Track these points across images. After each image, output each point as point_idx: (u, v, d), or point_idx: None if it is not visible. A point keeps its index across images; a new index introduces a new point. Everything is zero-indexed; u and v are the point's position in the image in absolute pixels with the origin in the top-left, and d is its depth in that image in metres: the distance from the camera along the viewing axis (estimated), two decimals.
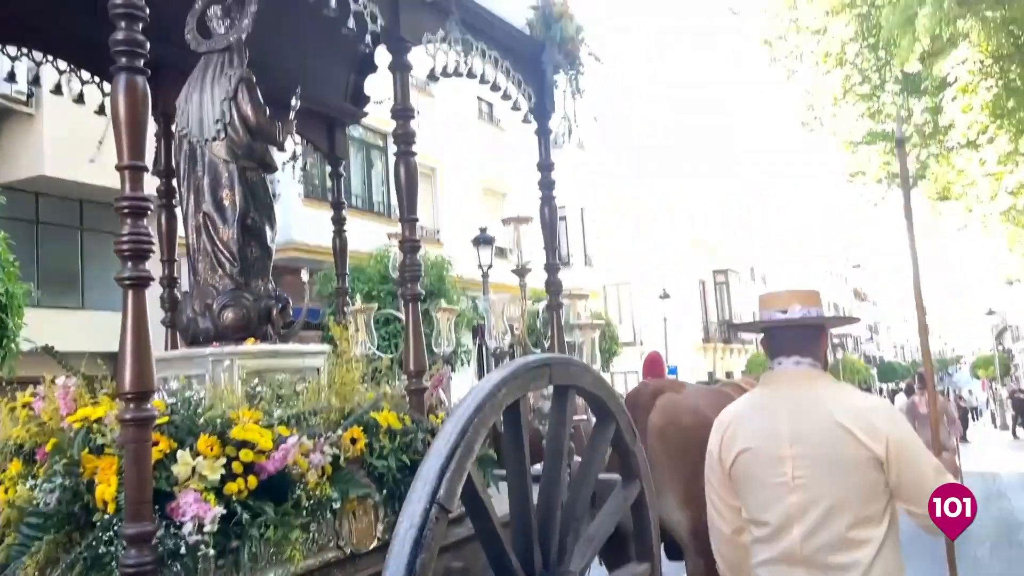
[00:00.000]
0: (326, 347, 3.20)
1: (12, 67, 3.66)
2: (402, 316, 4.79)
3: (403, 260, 3.08)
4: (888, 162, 13.74)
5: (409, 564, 1.87)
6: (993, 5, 8.88)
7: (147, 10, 2.02)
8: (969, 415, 30.76)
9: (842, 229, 63.85)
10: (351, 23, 2.78)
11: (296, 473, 2.34)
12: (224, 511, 2.08)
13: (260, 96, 3.28)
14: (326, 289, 10.33)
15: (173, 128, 3.42)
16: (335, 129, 5.25)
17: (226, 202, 3.16)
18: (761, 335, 2.50)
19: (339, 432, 2.46)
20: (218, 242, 3.12)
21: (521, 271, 5.04)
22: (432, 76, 3.46)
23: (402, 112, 3.16)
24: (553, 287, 4.34)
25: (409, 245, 3.08)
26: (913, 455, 2.14)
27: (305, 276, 4.06)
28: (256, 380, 2.80)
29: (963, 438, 19.91)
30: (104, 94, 4.03)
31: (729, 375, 30.49)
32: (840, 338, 46.19)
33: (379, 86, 6.97)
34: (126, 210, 1.89)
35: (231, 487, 2.14)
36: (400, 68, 3.19)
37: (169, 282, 4.13)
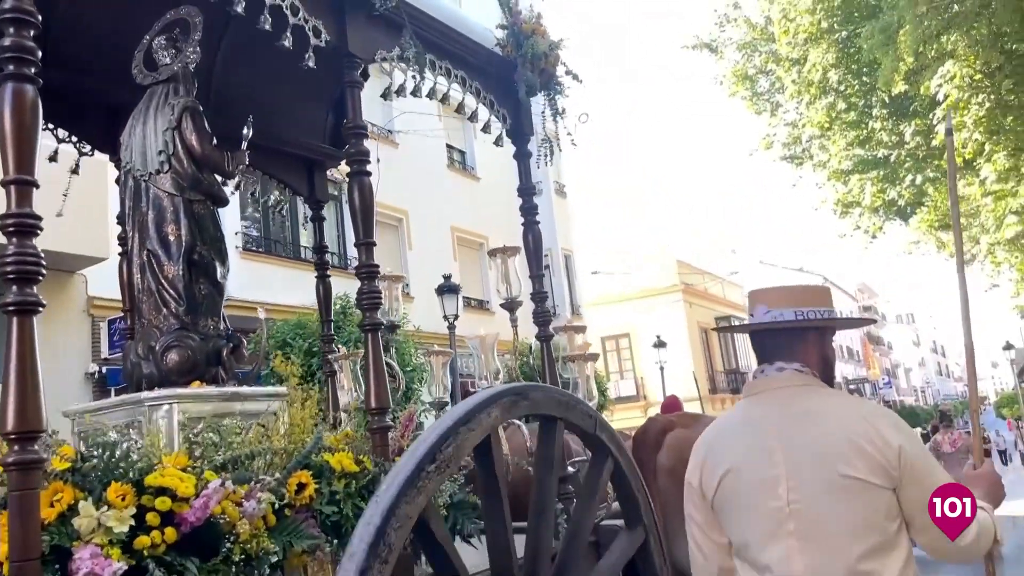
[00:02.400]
0: (281, 389, 3.00)
1: None
2: (394, 363, 4.64)
3: (360, 287, 2.90)
4: (883, 190, 13.45)
5: None
6: (978, 19, 8.72)
7: (39, 16, 1.90)
8: (999, 457, 29.04)
9: (846, 268, 63.19)
10: (288, 40, 2.67)
11: (226, 523, 2.10)
12: (128, 567, 1.84)
13: (206, 125, 3.18)
14: (269, 345, 10.12)
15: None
16: (314, 171, 5.20)
17: (171, 237, 3.04)
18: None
19: (275, 477, 2.21)
20: (163, 280, 2.99)
21: (512, 304, 4.84)
22: (388, 93, 3.36)
23: (354, 131, 3.04)
24: (542, 317, 4.14)
25: (366, 271, 2.92)
26: (925, 467, 1.85)
27: (262, 314, 3.84)
28: (200, 427, 2.60)
29: None
30: (59, 140, 4.00)
31: None
32: (856, 384, 44.68)
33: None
34: (11, 228, 1.74)
35: (142, 541, 1.93)
36: (351, 85, 3.08)
37: (131, 334, 3.99)
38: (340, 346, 5.13)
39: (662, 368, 22.06)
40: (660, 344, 22.23)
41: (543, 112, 4.40)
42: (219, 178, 3.30)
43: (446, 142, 18.57)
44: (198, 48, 3.28)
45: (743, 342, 32.43)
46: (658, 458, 4.21)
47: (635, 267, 29.10)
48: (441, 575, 2.01)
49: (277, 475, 2.25)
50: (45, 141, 3.91)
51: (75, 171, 4.00)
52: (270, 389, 2.94)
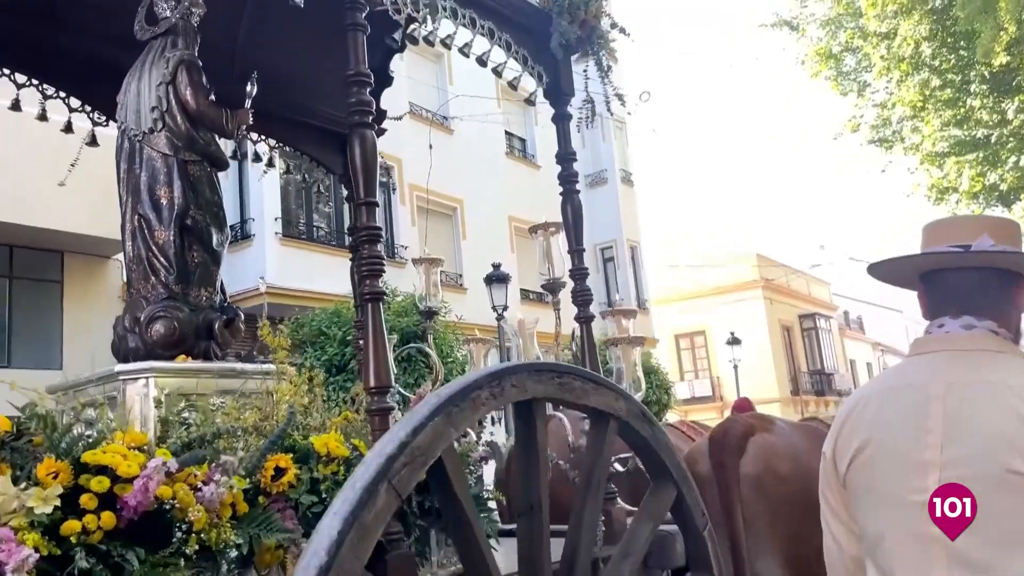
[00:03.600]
0: (270, 366, 2.75)
1: None
2: (432, 351, 4.36)
3: (360, 252, 2.62)
4: (982, 173, 12.33)
5: None
6: None
7: None
8: None
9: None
10: None
11: (179, 510, 1.84)
12: (53, 556, 1.59)
13: (204, 79, 2.96)
14: (297, 335, 9.86)
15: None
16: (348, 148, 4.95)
17: (163, 200, 2.85)
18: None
19: (240, 458, 1.94)
20: (152, 246, 2.80)
21: (553, 285, 4.49)
22: (405, 41, 3.07)
23: (356, 79, 2.76)
24: (580, 296, 3.77)
25: (366, 233, 2.63)
26: None
27: (262, 286, 3.61)
28: (182, 404, 2.37)
29: None
30: (71, 110, 3.89)
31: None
32: None
33: (394, 101, 6.72)
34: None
35: (70, 526, 1.68)
36: (352, 28, 2.80)
37: None
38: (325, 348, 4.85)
39: (736, 366, 21.19)
40: (734, 341, 21.35)
41: (585, 70, 4.03)
42: (219, 139, 3.08)
43: (505, 129, 18.16)
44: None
45: (829, 340, 30.94)
46: (742, 465, 3.78)
47: (711, 261, 28.12)
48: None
49: (241, 455, 1.97)
50: (56, 116, 3.89)
51: (91, 143, 3.88)
52: (259, 366, 2.69)
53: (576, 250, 3.87)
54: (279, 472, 2.16)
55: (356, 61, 2.81)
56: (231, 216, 12.70)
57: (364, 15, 2.89)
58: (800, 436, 4.09)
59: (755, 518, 3.48)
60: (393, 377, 2.55)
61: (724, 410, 24.33)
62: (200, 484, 1.94)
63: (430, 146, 11.46)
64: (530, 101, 3.90)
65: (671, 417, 15.55)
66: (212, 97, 3.00)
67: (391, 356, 2.62)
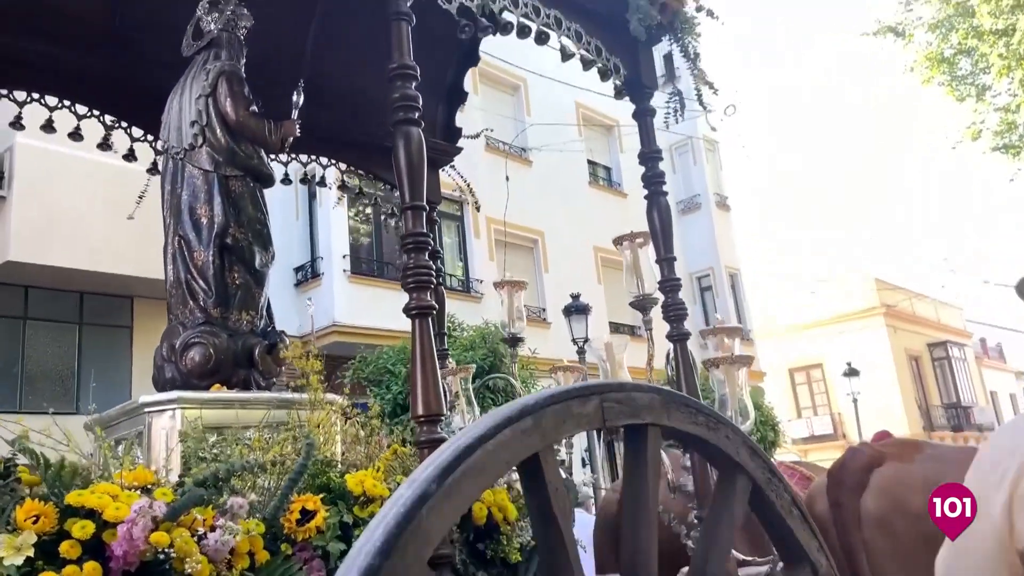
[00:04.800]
0: (329, 396, 2.46)
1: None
2: (516, 382, 4.02)
3: (405, 262, 2.31)
4: None
5: None
6: None
7: None
8: None
9: None
10: None
11: (176, 561, 1.55)
12: None
13: (246, 90, 2.79)
14: (362, 371, 9.65)
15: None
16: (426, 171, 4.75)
17: (203, 219, 2.67)
18: None
19: (256, 499, 1.64)
20: (192, 268, 2.61)
21: (644, 303, 4.05)
22: (462, 30, 2.80)
23: (400, 72, 2.51)
24: (673, 310, 3.34)
25: (412, 241, 2.33)
26: None
27: (310, 309, 3.36)
28: (214, 438, 2.11)
29: None
30: (132, 139, 3.84)
31: None
32: None
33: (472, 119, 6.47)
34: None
35: None
36: (397, 18, 2.56)
37: None
38: (451, 361, 4.58)
39: (855, 400, 19.61)
40: (851, 372, 19.78)
41: (669, 58, 3.65)
42: (264, 154, 2.88)
43: (587, 158, 17.78)
44: (242, 8, 2.93)
45: (964, 370, 28.42)
46: (862, 502, 3.23)
47: (823, 287, 26.50)
48: None
49: (253, 497, 1.66)
50: (121, 140, 3.85)
51: (152, 169, 3.82)
52: (295, 395, 2.40)
53: (666, 259, 3.46)
54: (306, 515, 1.84)
55: (400, 53, 2.56)
56: (301, 256, 12.86)
57: (409, 4, 2.66)
58: (951, 460, 3.46)
59: (883, 563, 3.05)
60: (448, 405, 2.23)
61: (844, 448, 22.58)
62: (206, 530, 1.64)
63: (507, 177, 11.27)
64: (619, 94, 3.54)
65: (786, 456, 14.41)
66: (254, 108, 2.81)
67: (438, 381, 2.28)
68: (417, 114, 2.54)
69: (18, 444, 1.68)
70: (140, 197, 3.85)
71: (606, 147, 18.63)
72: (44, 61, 3.65)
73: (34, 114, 3.62)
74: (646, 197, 3.59)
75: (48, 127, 3.58)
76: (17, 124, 3.55)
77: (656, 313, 3.78)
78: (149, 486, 1.72)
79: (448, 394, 3.99)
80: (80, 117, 3.68)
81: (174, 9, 3.59)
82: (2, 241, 9.86)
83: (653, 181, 3.57)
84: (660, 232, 3.49)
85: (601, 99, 17.02)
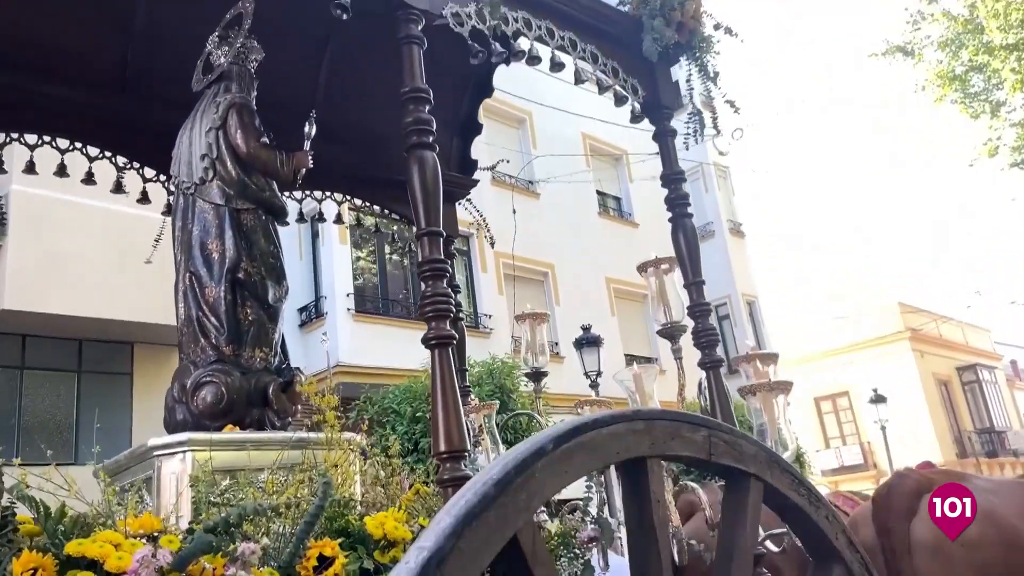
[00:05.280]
0: (347, 435, 2.33)
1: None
2: (541, 418, 3.88)
3: (423, 290, 2.21)
4: None
5: None
6: None
7: None
8: None
9: None
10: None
11: None
12: None
13: (256, 122, 2.73)
14: (367, 412, 9.47)
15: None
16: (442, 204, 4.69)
17: (214, 254, 2.58)
18: None
19: (267, 544, 1.51)
20: (203, 304, 2.53)
21: (672, 331, 3.91)
22: (475, 55, 2.73)
23: (413, 95, 2.43)
24: (704, 337, 3.21)
25: (429, 268, 2.23)
26: None
27: (325, 345, 3.25)
28: (226, 482, 2.00)
29: None
30: (145, 180, 3.79)
31: None
32: None
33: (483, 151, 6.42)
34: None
35: None
36: (407, 42, 2.49)
37: None
38: (473, 397, 4.44)
39: (883, 428, 19.12)
40: (878, 399, 19.32)
41: (688, 79, 3.57)
42: (276, 186, 2.81)
43: (596, 188, 17.71)
44: (252, 41, 2.88)
45: (996, 394, 27.75)
46: (913, 529, 3.06)
47: (848, 313, 26.08)
48: None
49: (266, 541, 1.53)
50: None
51: (167, 212, 3.76)
52: (309, 435, 2.28)
53: (694, 283, 3.35)
54: (324, 562, 1.71)
55: (412, 77, 2.50)
56: (305, 296, 12.69)
57: (420, 28, 2.60)
58: (1007, 491, 3.28)
59: None
60: (471, 441, 2.10)
61: (879, 479, 22.01)
62: None
63: (513, 210, 11.19)
64: (636, 118, 3.46)
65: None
66: (265, 140, 2.74)
67: (460, 416, 2.15)
68: (431, 138, 2.46)
69: (16, 491, 1.57)
70: (156, 240, 3.78)
71: (615, 177, 18.58)
72: (57, 104, 3.62)
73: (36, 159, 3.57)
74: (670, 220, 3.49)
75: (61, 172, 3.53)
76: (31, 170, 3.52)
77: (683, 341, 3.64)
78: (155, 533, 1.60)
79: (471, 432, 3.86)
80: (92, 159, 3.65)
81: (188, 49, 3.58)
82: None
83: (677, 203, 3.47)
84: (687, 256, 3.38)
85: (608, 129, 17.02)
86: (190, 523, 1.83)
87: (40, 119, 3.59)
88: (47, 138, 3.54)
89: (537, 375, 4.10)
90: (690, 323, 3.51)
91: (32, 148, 3.47)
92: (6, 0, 3.32)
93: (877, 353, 24.86)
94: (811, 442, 22.59)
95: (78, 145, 3.61)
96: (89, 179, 3.74)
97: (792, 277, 25.14)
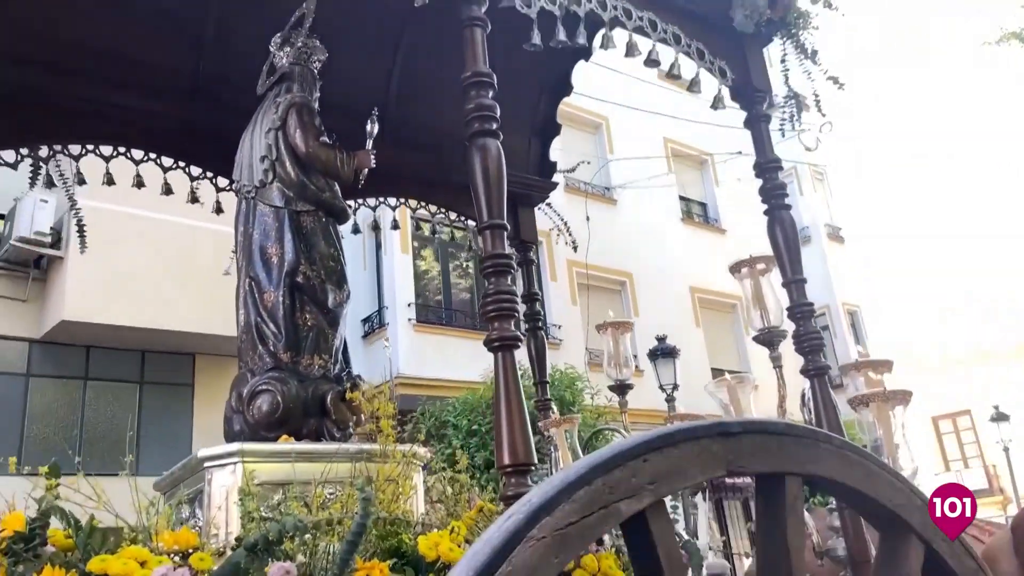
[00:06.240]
0: (406, 447, 2.17)
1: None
2: (627, 434, 3.64)
3: (485, 289, 2.03)
4: None
5: None
6: None
7: None
8: None
9: None
10: None
11: None
12: None
13: (317, 121, 2.64)
14: (425, 422, 9.25)
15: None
16: (519, 208, 4.59)
17: (274, 258, 2.50)
18: None
19: (304, 562, 1.36)
20: (262, 310, 2.44)
21: (770, 336, 3.57)
22: (532, 44, 2.54)
23: (474, 79, 2.26)
24: (807, 341, 2.90)
25: (491, 265, 2.05)
26: None
27: (388, 352, 3.10)
28: (279, 495, 1.88)
29: None
30: (218, 189, 3.79)
31: None
32: None
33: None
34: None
35: None
36: (471, 24, 2.33)
37: None
38: (554, 411, 4.25)
39: (1006, 449, 17.63)
40: (1000, 417, 17.84)
41: (783, 59, 3.29)
42: (337, 187, 2.70)
43: (680, 194, 17.08)
44: (315, 40, 2.81)
45: None
46: None
47: (965, 323, 24.27)
48: None
49: (301, 559, 1.38)
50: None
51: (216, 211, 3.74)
52: (362, 446, 2.12)
53: (794, 281, 3.03)
54: None
55: (475, 61, 2.34)
56: (368, 306, 12.63)
57: (484, 9, 2.44)
58: None
59: None
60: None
61: (1007, 505, 20.31)
62: None
63: (587, 217, 10.84)
64: (717, 105, 3.19)
65: None
66: (325, 139, 2.64)
67: (526, 425, 1.94)
68: (495, 125, 2.29)
69: (44, 503, 1.47)
70: (234, 251, 3.77)
71: (699, 181, 17.93)
72: (131, 115, 3.68)
73: (96, 172, 3.61)
74: (765, 212, 3.18)
75: (139, 184, 3.57)
76: (109, 181, 3.57)
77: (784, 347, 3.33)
78: (191, 550, 1.47)
79: (552, 449, 3.64)
80: (166, 170, 3.67)
81: (258, 57, 3.56)
82: (57, 301, 9.94)
83: (773, 194, 3.17)
84: (785, 251, 3.06)
85: (692, 133, 16.46)
86: (236, 539, 1.70)
87: (115, 131, 3.65)
88: (122, 149, 3.59)
89: (622, 387, 3.85)
90: (789, 328, 3.20)
91: (107, 159, 3.52)
92: (80, 13, 3.39)
93: (1001, 365, 23.04)
94: (929, 465, 21.11)
95: (152, 156, 3.66)
96: (168, 191, 3.77)
97: (901, 284, 23.56)
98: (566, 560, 0.87)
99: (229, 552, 1.55)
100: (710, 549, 3.21)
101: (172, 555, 1.45)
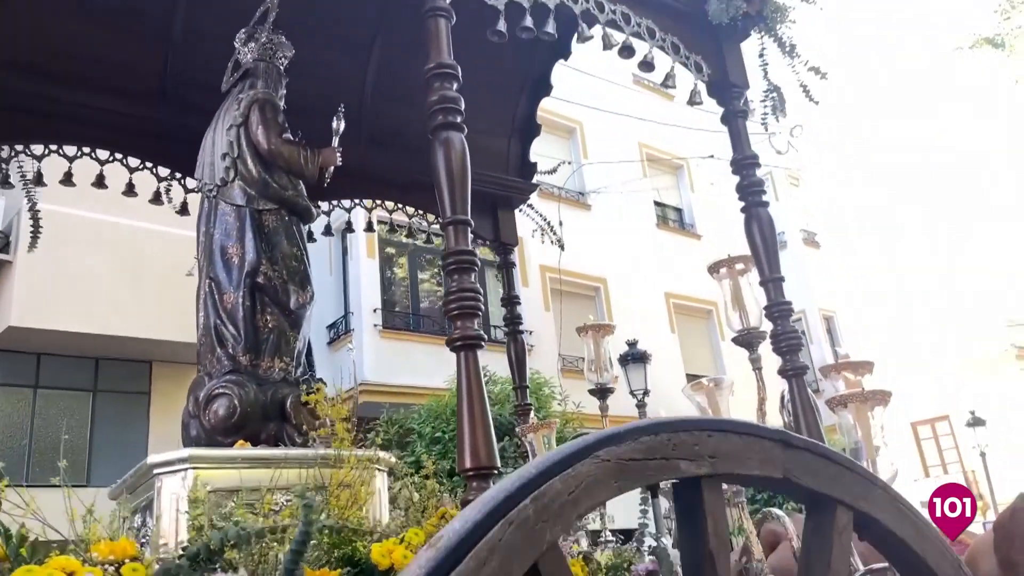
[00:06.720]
0: (365, 452, 2.08)
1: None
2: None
3: (447, 284, 1.95)
4: None
5: None
6: None
7: None
8: None
9: None
10: None
11: None
12: None
13: (280, 117, 2.56)
14: (389, 430, 9.13)
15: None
16: (498, 210, 4.53)
17: (234, 259, 2.40)
18: None
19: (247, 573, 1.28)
20: (221, 311, 2.36)
21: (749, 338, 3.52)
22: (497, 32, 2.48)
23: (437, 71, 2.19)
24: (784, 340, 2.85)
25: (454, 261, 1.98)
26: None
27: (352, 356, 3.01)
28: (231, 503, 1.79)
29: None
30: (187, 191, 3.70)
31: None
32: None
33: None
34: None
35: None
36: (433, 14, 2.26)
37: None
38: (533, 416, 4.21)
39: (983, 454, 17.66)
40: (976, 422, 17.88)
41: (761, 53, 3.25)
42: (302, 186, 2.62)
43: (655, 199, 17.05)
44: (280, 36, 2.73)
45: None
46: None
47: (945, 330, 24.43)
48: None
49: (243, 572, 1.30)
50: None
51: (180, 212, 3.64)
52: (318, 451, 2.04)
53: (772, 280, 2.99)
54: None
55: (438, 51, 2.27)
56: (334, 312, 12.37)
57: (448, 1, 2.37)
58: None
59: None
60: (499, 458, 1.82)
61: (987, 511, 20.37)
62: None
63: (560, 222, 10.61)
64: (693, 101, 3.14)
65: None
66: (288, 136, 2.56)
67: (490, 429, 1.87)
68: (459, 117, 2.22)
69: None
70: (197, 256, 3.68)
71: (675, 186, 17.91)
72: (96, 115, 3.58)
73: (51, 172, 3.51)
74: (743, 210, 3.15)
75: (100, 183, 3.47)
76: (68, 181, 3.47)
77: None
78: (126, 560, 1.38)
79: (530, 454, 3.57)
80: (132, 171, 3.58)
81: (226, 58, 3.48)
82: (4, 306, 9.55)
83: (751, 191, 3.14)
84: (763, 249, 3.03)
85: (668, 138, 16.46)
86: (183, 548, 1.61)
87: (81, 131, 3.56)
88: (87, 150, 3.49)
89: (603, 391, 3.79)
90: (767, 328, 3.15)
91: (71, 160, 3.42)
92: (45, 11, 3.30)
93: (981, 373, 23.22)
94: (909, 470, 21.18)
95: (118, 157, 3.56)
96: (131, 190, 3.67)
97: (878, 290, 23.66)
98: (624, 489, 0.86)
99: (177, 562, 1.47)
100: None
101: (105, 565, 1.36)
